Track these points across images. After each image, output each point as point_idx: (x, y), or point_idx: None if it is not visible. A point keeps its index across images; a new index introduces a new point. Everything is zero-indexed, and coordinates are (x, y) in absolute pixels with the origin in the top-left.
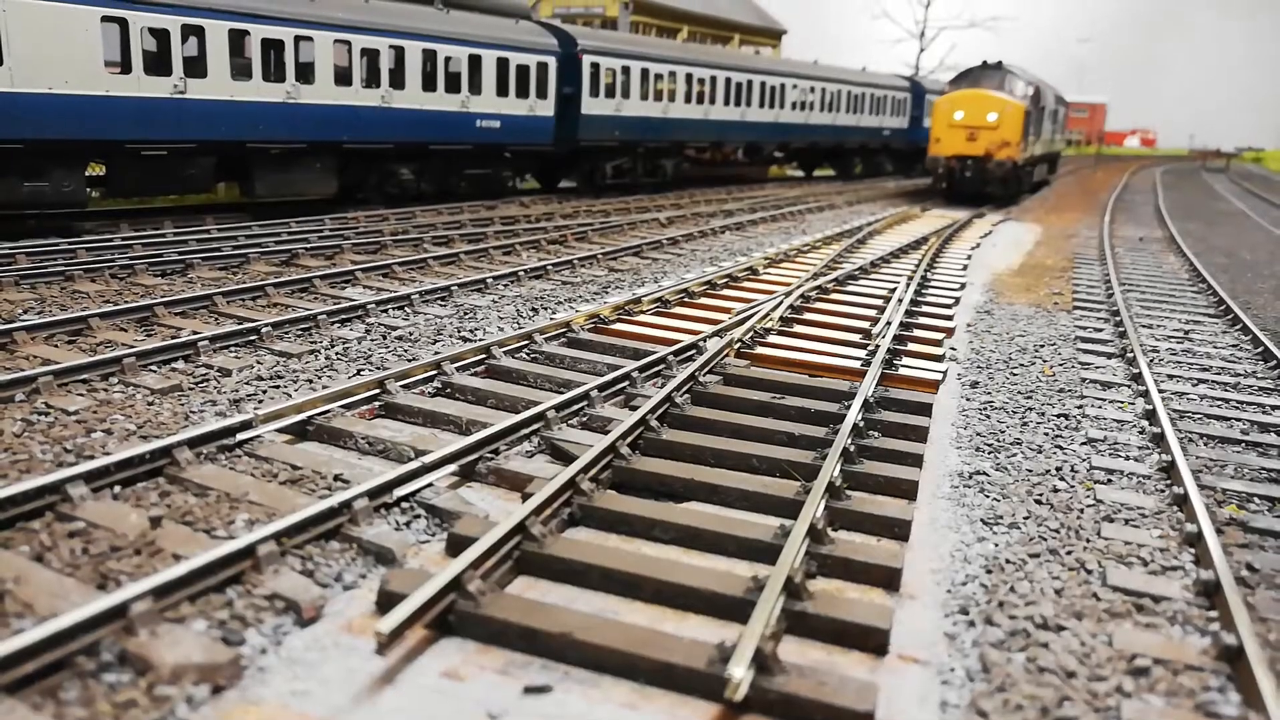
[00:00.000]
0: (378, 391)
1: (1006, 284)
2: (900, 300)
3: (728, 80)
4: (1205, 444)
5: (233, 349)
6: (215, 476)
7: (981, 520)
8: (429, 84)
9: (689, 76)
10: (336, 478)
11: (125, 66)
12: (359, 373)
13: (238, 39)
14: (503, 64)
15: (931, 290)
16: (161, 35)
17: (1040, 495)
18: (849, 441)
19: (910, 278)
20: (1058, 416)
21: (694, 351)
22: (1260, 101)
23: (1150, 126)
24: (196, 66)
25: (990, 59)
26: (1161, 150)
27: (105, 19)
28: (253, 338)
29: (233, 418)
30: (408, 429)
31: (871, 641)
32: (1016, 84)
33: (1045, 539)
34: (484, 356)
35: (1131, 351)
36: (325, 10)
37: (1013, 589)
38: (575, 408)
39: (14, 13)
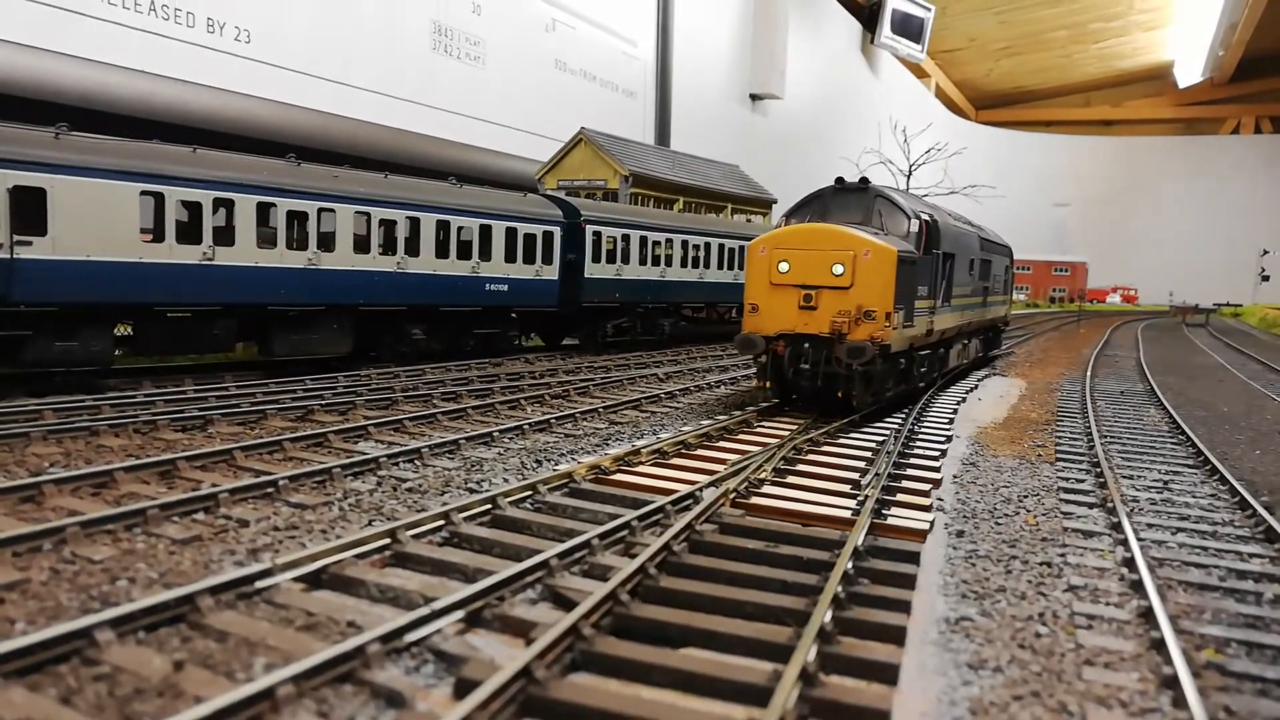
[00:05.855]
0: (389, 541)
1: (991, 437)
2: (889, 452)
3: (720, 246)
4: (1183, 590)
5: (251, 501)
6: (235, 622)
7: (967, 664)
8: (442, 251)
9: (685, 243)
10: (350, 624)
11: (158, 235)
12: (371, 523)
13: (264, 210)
14: (511, 233)
15: (919, 442)
16: (194, 207)
17: (1023, 640)
18: (839, 589)
19: (898, 431)
20: (1040, 564)
21: (691, 501)
22: (1235, 260)
23: (1131, 283)
24: (225, 236)
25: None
26: (1143, 306)
27: (144, 193)
28: (270, 490)
29: (251, 566)
30: (417, 577)
31: None
32: (893, 215)
33: (1028, 682)
34: (490, 507)
35: (1111, 502)
36: (347, 185)
37: None
38: (577, 556)
39: (60, 189)
